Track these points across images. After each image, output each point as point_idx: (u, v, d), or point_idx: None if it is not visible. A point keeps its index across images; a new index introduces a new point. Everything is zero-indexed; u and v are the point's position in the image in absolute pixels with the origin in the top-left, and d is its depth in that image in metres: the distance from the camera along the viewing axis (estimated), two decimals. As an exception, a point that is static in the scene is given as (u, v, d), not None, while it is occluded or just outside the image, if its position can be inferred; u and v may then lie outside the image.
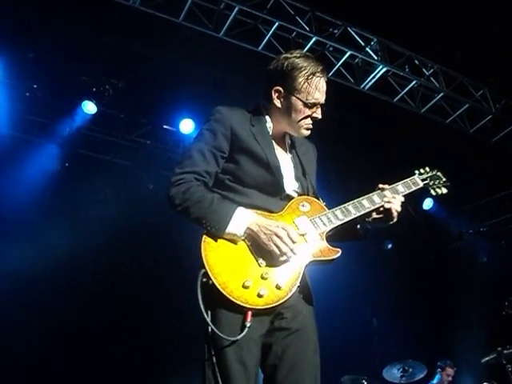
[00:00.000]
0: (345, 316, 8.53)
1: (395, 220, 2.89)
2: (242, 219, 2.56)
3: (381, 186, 2.96)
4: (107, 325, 7.62)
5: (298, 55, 2.85)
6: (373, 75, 7.99)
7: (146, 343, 7.93)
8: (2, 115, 7.69)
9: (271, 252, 2.53)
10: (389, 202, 2.88)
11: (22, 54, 7.43)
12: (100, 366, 7.37)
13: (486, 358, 7.30)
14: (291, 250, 2.53)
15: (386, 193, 2.93)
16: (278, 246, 2.52)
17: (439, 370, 8.60)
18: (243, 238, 2.57)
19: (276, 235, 2.52)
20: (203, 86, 7.56)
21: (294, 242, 2.55)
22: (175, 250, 7.99)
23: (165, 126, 8.75)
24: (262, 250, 2.56)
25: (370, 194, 2.92)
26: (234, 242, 2.58)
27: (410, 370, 7.93)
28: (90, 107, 7.93)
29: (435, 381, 8.59)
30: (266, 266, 2.55)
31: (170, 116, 8.53)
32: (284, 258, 2.53)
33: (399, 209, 2.88)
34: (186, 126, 8.43)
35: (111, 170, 8.54)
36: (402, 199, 2.94)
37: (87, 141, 8.46)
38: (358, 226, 2.96)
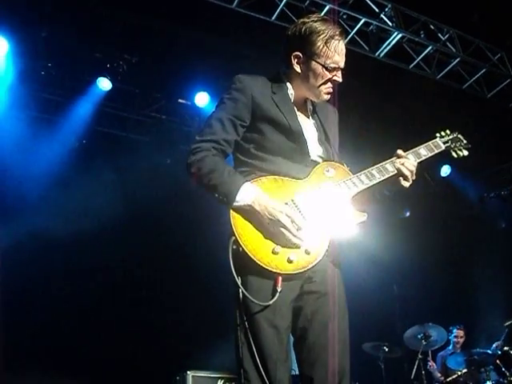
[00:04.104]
0: (365, 284, 8.57)
1: (409, 181, 2.83)
2: (247, 194, 2.55)
3: (399, 151, 2.90)
4: (127, 296, 7.96)
5: (316, 19, 2.81)
6: (388, 42, 7.87)
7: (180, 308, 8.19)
8: (19, 95, 7.75)
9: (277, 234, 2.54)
10: (401, 163, 2.83)
11: (36, 34, 7.44)
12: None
13: (509, 322, 7.35)
14: (296, 237, 2.52)
15: (410, 156, 2.90)
16: (281, 233, 2.52)
17: (450, 336, 8.76)
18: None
19: (279, 222, 2.51)
20: (217, 58, 7.53)
21: (299, 229, 2.53)
22: (195, 223, 8.12)
23: (180, 100, 8.78)
24: None
25: (393, 159, 2.88)
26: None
27: (431, 336, 7.97)
28: (104, 84, 7.97)
29: (450, 346, 8.83)
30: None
31: (185, 90, 8.53)
32: (289, 243, 2.53)
33: (411, 170, 2.82)
34: (201, 99, 8.43)
35: (128, 145, 8.60)
36: (414, 162, 2.87)
37: (103, 117, 8.51)
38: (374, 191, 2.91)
